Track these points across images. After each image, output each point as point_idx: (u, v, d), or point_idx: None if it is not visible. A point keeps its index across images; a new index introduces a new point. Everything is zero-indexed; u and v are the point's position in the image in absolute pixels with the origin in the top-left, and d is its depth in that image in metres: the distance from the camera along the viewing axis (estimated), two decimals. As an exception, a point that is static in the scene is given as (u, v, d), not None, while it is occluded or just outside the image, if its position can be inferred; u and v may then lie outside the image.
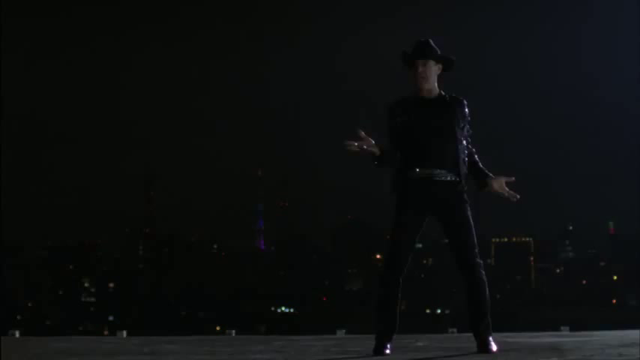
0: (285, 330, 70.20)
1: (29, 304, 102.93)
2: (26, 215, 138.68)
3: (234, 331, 10.94)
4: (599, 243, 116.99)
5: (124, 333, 10.45)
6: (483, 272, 6.13)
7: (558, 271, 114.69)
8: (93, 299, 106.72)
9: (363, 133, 6.00)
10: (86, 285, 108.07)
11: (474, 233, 6.12)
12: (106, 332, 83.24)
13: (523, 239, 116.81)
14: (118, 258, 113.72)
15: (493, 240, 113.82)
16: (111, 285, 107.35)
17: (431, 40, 6.21)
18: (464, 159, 6.13)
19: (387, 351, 6.06)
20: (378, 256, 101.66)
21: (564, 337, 7.78)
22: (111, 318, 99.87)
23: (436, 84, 6.20)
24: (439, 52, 6.19)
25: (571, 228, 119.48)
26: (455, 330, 9.98)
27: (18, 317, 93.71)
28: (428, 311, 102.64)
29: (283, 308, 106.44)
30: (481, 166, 6.27)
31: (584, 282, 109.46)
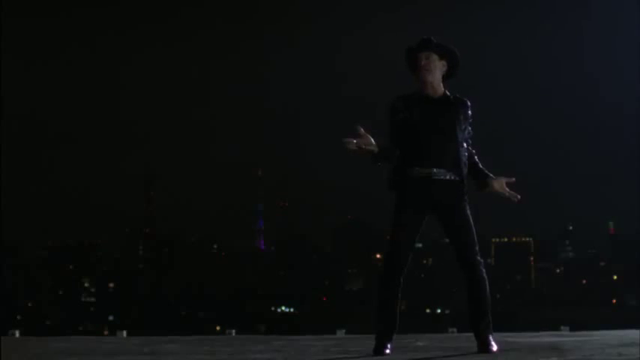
0: (285, 330, 70.14)
1: (29, 304, 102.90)
2: (26, 215, 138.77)
3: (234, 331, 10.94)
4: (599, 243, 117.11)
5: (124, 333, 10.44)
6: (484, 270, 6.12)
7: (558, 271, 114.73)
8: (93, 299, 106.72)
9: (362, 130, 5.97)
10: (86, 285, 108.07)
11: (474, 232, 6.11)
12: (106, 332, 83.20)
13: (523, 239, 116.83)
14: (118, 258, 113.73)
15: (493, 240, 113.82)
16: (111, 285, 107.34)
17: (434, 38, 6.19)
18: (464, 159, 6.10)
19: (387, 351, 6.05)
20: (378, 256, 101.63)
21: (564, 337, 7.78)
22: (111, 318, 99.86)
23: (441, 84, 6.15)
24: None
25: (571, 228, 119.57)
26: (455, 330, 9.98)
27: (18, 317, 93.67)
28: (428, 311, 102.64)
29: (283, 308, 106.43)
30: (481, 166, 6.25)
31: (584, 282, 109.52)
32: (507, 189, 6.19)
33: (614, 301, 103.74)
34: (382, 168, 6.13)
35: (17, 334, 10.38)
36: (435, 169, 6.02)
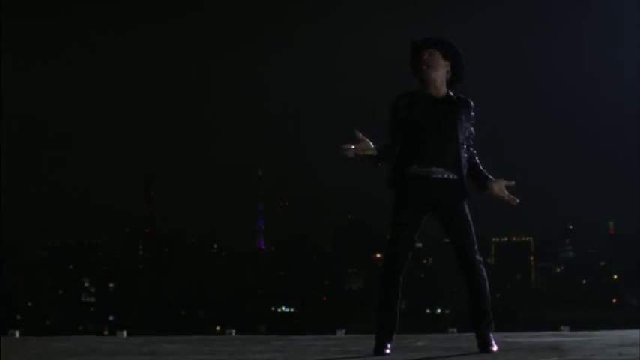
0: (285, 330, 70.24)
1: (29, 304, 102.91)
2: (26, 215, 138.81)
3: (234, 331, 10.92)
4: (599, 243, 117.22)
5: (124, 333, 10.42)
6: (484, 270, 6.10)
7: (558, 270, 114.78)
8: (93, 299, 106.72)
9: (360, 134, 5.96)
10: (86, 285, 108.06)
11: (474, 231, 6.10)
12: (106, 332, 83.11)
13: (523, 239, 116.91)
14: (118, 258, 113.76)
15: (493, 239, 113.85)
16: (111, 285, 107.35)
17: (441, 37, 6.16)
18: (464, 160, 6.06)
19: (387, 350, 6.05)
20: (378, 256, 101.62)
21: (564, 337, 7.77)
22: (111, 318, 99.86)
23: (444, 84, 6.09)
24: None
25: (571, 228, 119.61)
26: (455, 330, 9.96)
27: (18, 317, 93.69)
28: (428, 311, 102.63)
29: (283, 308, 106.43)
30: (481, 168, 6.20)
31: (584, 282, 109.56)
32: (506, 192, 6.14)
33: (614, 300, 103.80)
34: (382, 167, 6.12)
35: (17, 334, 10.36)
36: (433, 168, 5.99)
